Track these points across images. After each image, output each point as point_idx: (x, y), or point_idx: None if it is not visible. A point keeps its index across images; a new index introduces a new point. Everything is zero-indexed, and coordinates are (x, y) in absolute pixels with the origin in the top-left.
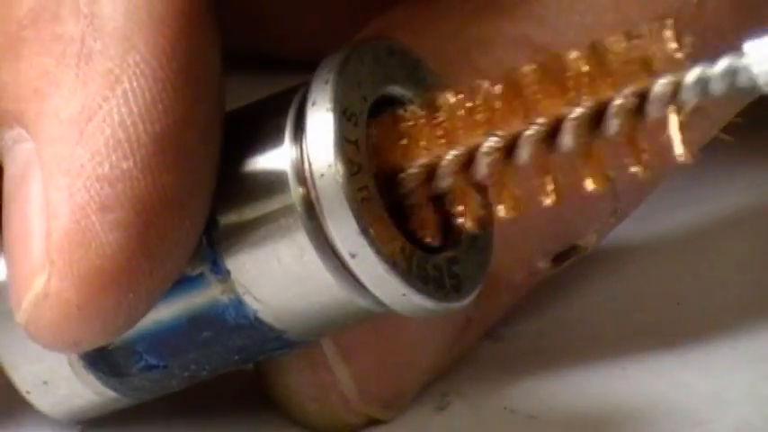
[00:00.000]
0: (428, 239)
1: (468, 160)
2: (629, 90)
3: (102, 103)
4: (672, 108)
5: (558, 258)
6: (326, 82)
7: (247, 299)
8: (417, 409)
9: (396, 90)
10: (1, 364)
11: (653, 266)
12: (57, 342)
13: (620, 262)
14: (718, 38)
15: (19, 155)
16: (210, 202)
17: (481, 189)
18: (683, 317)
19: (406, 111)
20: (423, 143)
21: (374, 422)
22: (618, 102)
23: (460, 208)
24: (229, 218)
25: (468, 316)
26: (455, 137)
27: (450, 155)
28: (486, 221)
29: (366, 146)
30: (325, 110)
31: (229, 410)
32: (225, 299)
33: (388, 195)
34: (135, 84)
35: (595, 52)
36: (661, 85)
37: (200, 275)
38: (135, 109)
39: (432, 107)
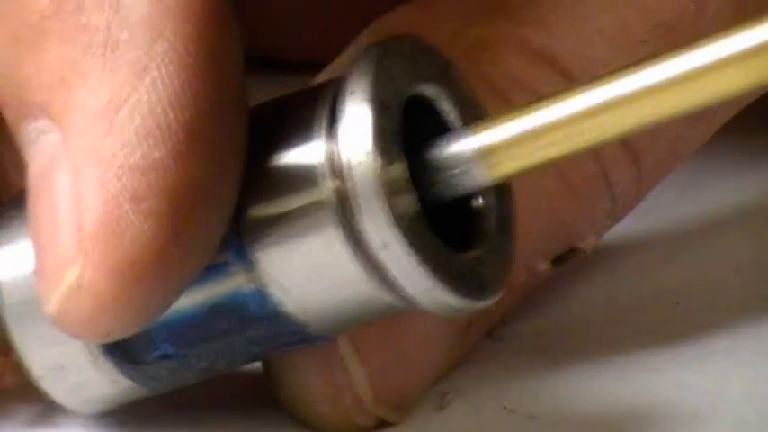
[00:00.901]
0: None
1: None
2: None
3: (131, 92)
4: None
5: (558, 260)
6: (365, 73)
7: (271, 289)
8: (417, 409)
9: (428, 90)
10: (15, 349)
11: (653, 266)
12: (89, 333)
13: (620, 262)
14: None
15: (45, 146)
16: (238, 190)
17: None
18: (683, 317)
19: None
20: None
21: (382, 424)
22: None
23: None
24: (257, 206)
25: (469, 319)
26: None
27: None
28: (509, 227)
29: (401, 139)
30: (364, 99)
31: (236, 413)
32: (248, 288)
33: (418, 187)
34: (164, 72)
35: None
36: None
37: (225, 264)
38: (164, 97)
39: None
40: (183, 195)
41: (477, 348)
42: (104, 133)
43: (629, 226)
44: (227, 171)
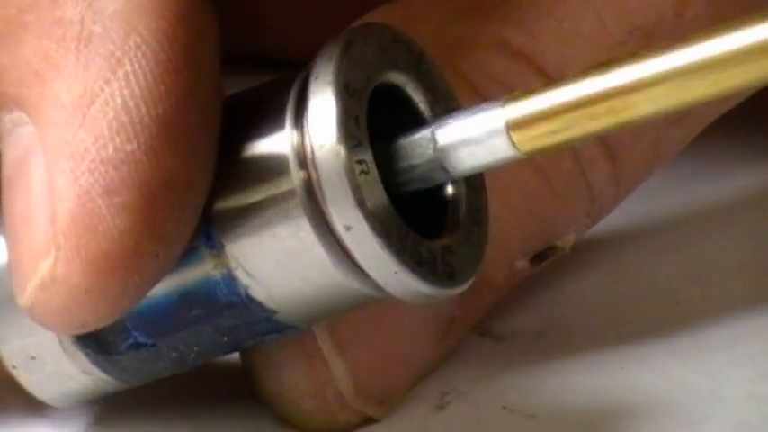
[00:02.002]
0: None
1: None
2: None
3: (103, 86)
4: None
5: (536, 258)
6: (330, 58)
7: (239, 274)
8: (417, 409)
9: (399, 78)
10: None
11: (652, 266)
12: (63, 325)
13: (620, 261)
14: None
15: (19, 138)
16: (211, 182)
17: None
18: (682, 316)
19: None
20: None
21: (367, 421)
22: None
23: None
24: (226, 194)
25: (452, 315)
26: None
27: None
28: (482, 218)
29: (366, 123)
30: (328, 83)
31: (217, 410)
32: (217, 274)
33: (386, 175)
34: (137, 66)
35: None
36: None
37: (194, 249)
38: (137, 91)
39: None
40: (155, 189)
41: (476, 348)
42: (77, 127)
43: (628, 225)
44: (201, 164)
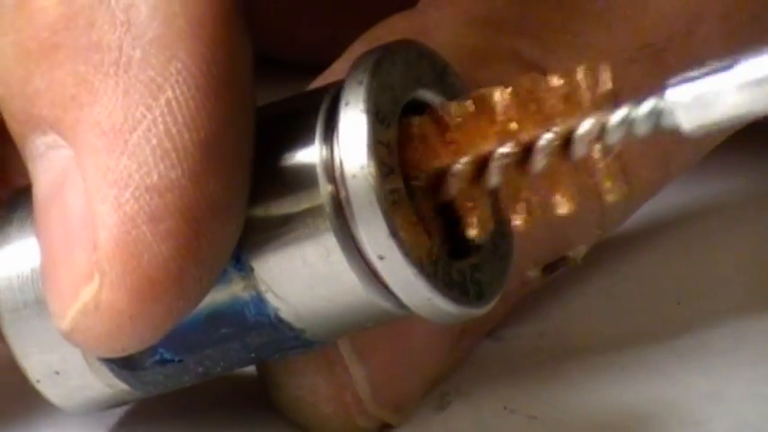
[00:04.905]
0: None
1: (481, 167)
2: (555, 128)
3: (145, 113)
4: (599, 148)
5: (548, 268)
6: (360, 83)
7: (269, 297)
8: (417, 409)
9: (425, 95)
10: (12, 352)
11: (653, 266)
12: (104, 349)
13: (620, 262)
14: None
15: (53, 161)
16: (247, 203)
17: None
18: (683, 317)
19: (433, 113)
20: (440, 148)
21: (384, 427)
22: (543, 141)
23: (471, 217)
24: (256, 214)
25: (463, 325)
26: (467, 144)
27: (462, 162)
28: (506, 230)
29: (397, 148)
30: (359, 110)
31: (230, 416)
32: (246, 295)
33: (417, 199)
34: (178, 92)
35: (527, 91)
36: (587, 124)
37: (224, 271)
38: (180, 118)
39: (448, 113)
40: (199, 214)
41: (477, 348)
42: (120, 153)
43: (629, 226)
44: (240, 186)
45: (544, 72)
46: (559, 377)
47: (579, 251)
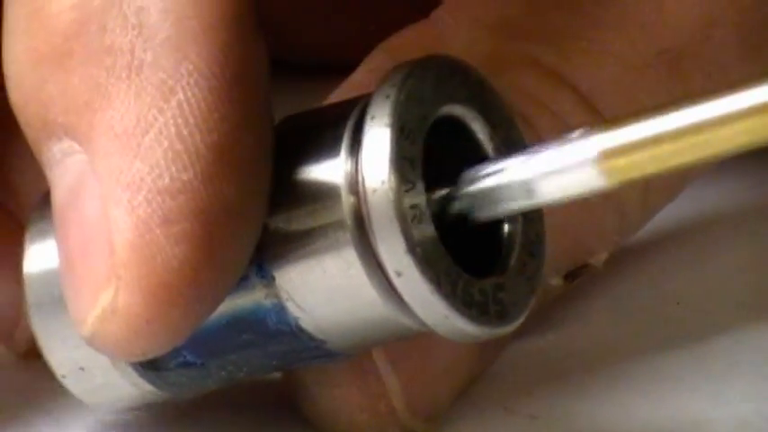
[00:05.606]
0: None
1: None
2: None
3: (157, 115)
4: None
5: (570, 276)
6: (387, 97)
7: (290, 306)
8: None
9: (456, 110)
10: (39, 346)
11: (653, 266)
12: (124, 354)
13: (621, 262)
14: (723, 72)
15: (70, 167)
16: (266, 208)
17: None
18: (683, 317)
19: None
20: None
21: None
22: None
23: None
24: (278, 223)
25: None
26: None
27: None
28: (536, 251)
29: (421, 164)
30: (384, 125)
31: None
32: (267, 303)
33: (440, 215)
34: (189, 94)
35: None
36: None
37: (245, 278)
38: (191, 119)
39: None
40: (213, 217)
41: None
42: (133, 156)
43: None
44: (256, 189)
45: (562, 78)
46: (560, 377)
47: (600, 258)
